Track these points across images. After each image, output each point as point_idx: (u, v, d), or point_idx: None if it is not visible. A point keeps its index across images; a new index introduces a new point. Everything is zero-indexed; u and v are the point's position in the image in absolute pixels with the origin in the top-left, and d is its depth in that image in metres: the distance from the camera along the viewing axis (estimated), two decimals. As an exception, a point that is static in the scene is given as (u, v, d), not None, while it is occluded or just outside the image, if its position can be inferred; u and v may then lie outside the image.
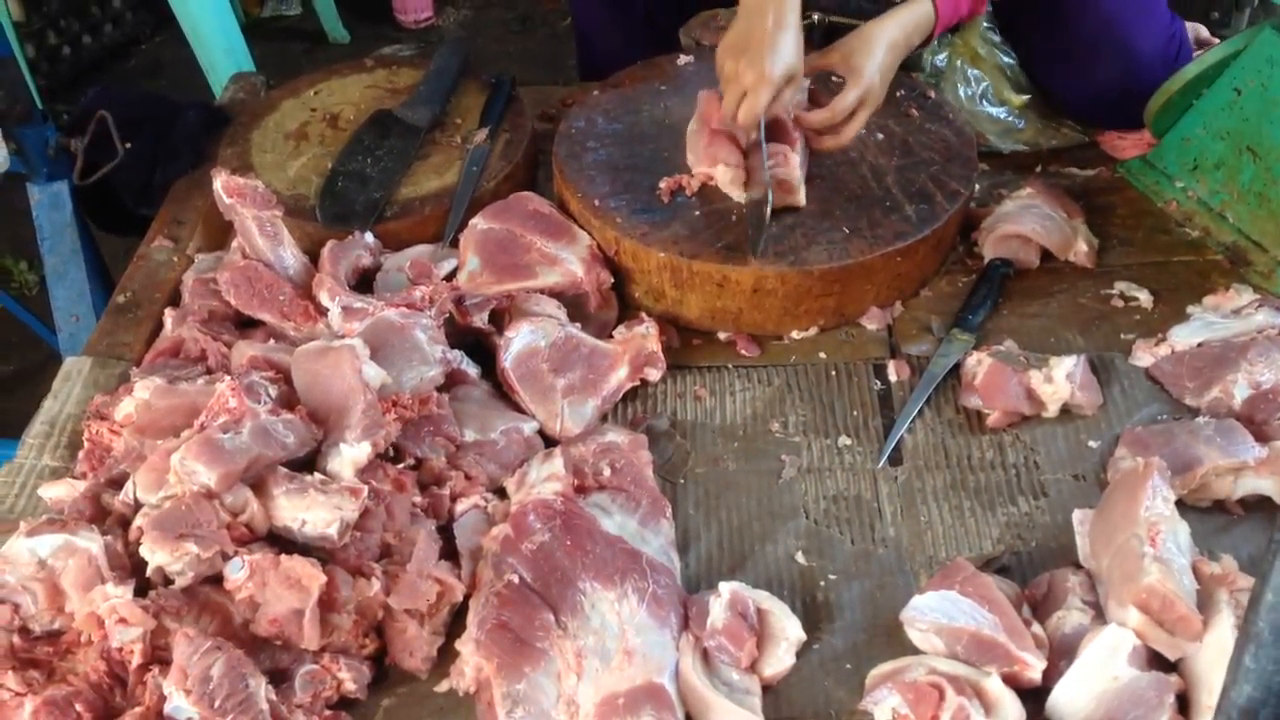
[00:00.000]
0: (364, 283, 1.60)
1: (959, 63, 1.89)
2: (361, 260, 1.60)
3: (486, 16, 4.09)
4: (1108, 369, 1.52)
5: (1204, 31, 2.11)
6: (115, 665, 1.14)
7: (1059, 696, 1.15)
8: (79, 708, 1.09)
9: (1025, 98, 1.88)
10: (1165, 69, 1.76)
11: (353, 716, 1.19)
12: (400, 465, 1.33)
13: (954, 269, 1.70)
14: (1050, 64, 1.88)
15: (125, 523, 1.22)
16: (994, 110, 1.89)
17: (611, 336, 1.55)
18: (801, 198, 1.60)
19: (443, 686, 1.21)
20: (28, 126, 1.82)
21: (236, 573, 1.16)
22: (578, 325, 1.53)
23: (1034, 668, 1.15)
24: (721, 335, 1.61)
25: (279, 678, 1.16)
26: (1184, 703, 1.13)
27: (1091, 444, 1.43)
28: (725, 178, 1.61)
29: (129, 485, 1.24)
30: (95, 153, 1.80)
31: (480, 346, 1.54)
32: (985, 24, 1.90)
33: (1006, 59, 1.89)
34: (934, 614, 1.20)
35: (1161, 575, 1.15)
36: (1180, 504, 1.29)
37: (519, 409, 1.47)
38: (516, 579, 1.23)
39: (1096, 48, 1.80)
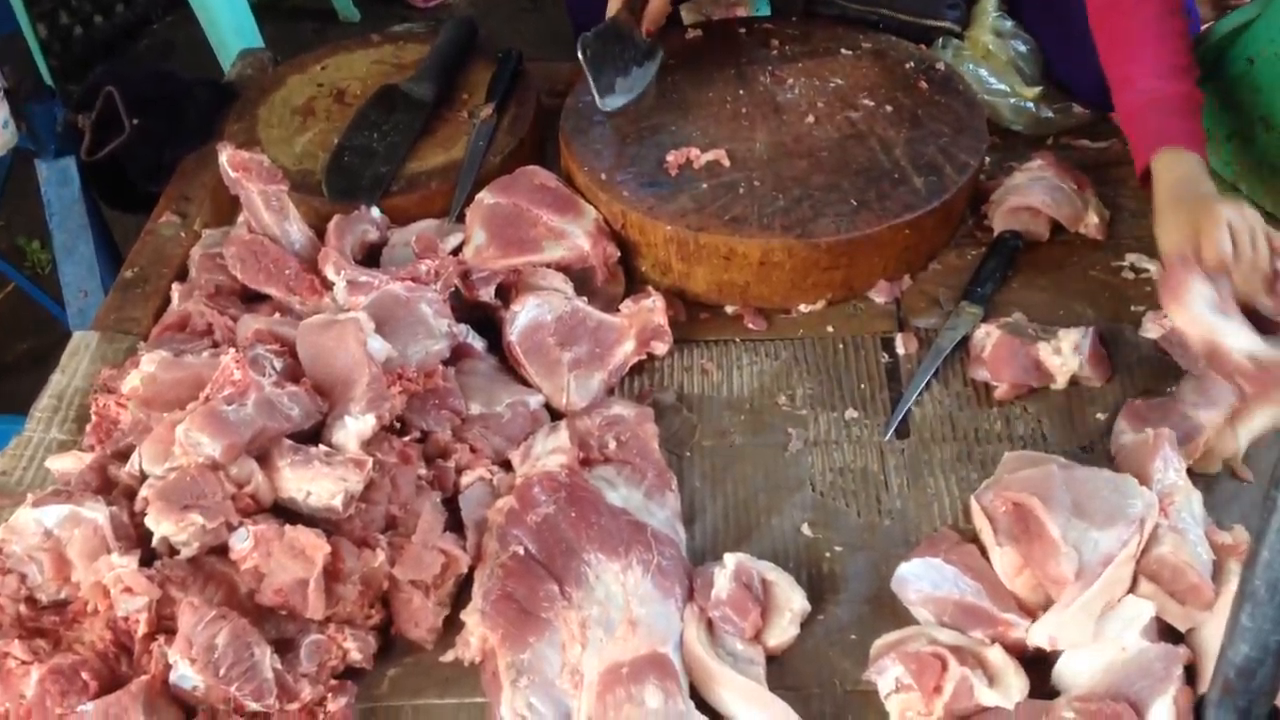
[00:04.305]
0: (370, 258, 1.60)
1: (968, 65, 1.86)
2: (368, 235, 1.60)
3: (498, -4, 4.08)
4: (1117, 341, 1.51)
5: None
6: (121, 635, 1.14)
7: (1065, 667, 1.15)
8: (85, 676, 1.10)
9: (1037, 89, 1.85)
10: None
11: (359, 686, 1.19)
12: (406, 438, 1.33)
13: (963, 242, 1.69)
14: (1062, 51, 1.86)
15: (131, 494, 1.22)
16: (1008, 101, 1.87)
17: (618, 310, 1.54)
18: None
19: (448, 656, 1.21)
20: (36, 103, 1.83)
21: (241, 543, 1.17)
22: (584, 299, 1.53)
23: (1018, 627, 1.16)
24: (729, 309, 1.61)
25: (284, 647, 1.16)
26: (1191, 674, 1.12)
27: (1099, 416, 1.42)
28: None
29: (135, 457, 1.24)
30: (103, 129, 1.80)
31: (487, 321, 1.53)
32: (994, 12, 1.88)
33: (1021, 47, 1.87)
34: (921, 582, 1.20)
35: (1174, 546, 1.15)
36: (1190, 474, 1.28)
37: (525, 382, 1.47)
38: (521, 551, 1.23)
39: None
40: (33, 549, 1.18)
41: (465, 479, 1.33)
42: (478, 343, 1.50)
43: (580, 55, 1.69)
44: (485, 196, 1.62)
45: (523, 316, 1.47)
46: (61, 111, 1.84)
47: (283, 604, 1.17)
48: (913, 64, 1.81)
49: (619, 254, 1.61)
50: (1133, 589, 1.16)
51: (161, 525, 1.15)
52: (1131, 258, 1.63)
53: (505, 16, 3.94)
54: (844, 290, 1.60)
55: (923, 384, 1.47)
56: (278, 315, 1.46)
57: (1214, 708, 0.80)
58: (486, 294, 1.51)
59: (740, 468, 1.41)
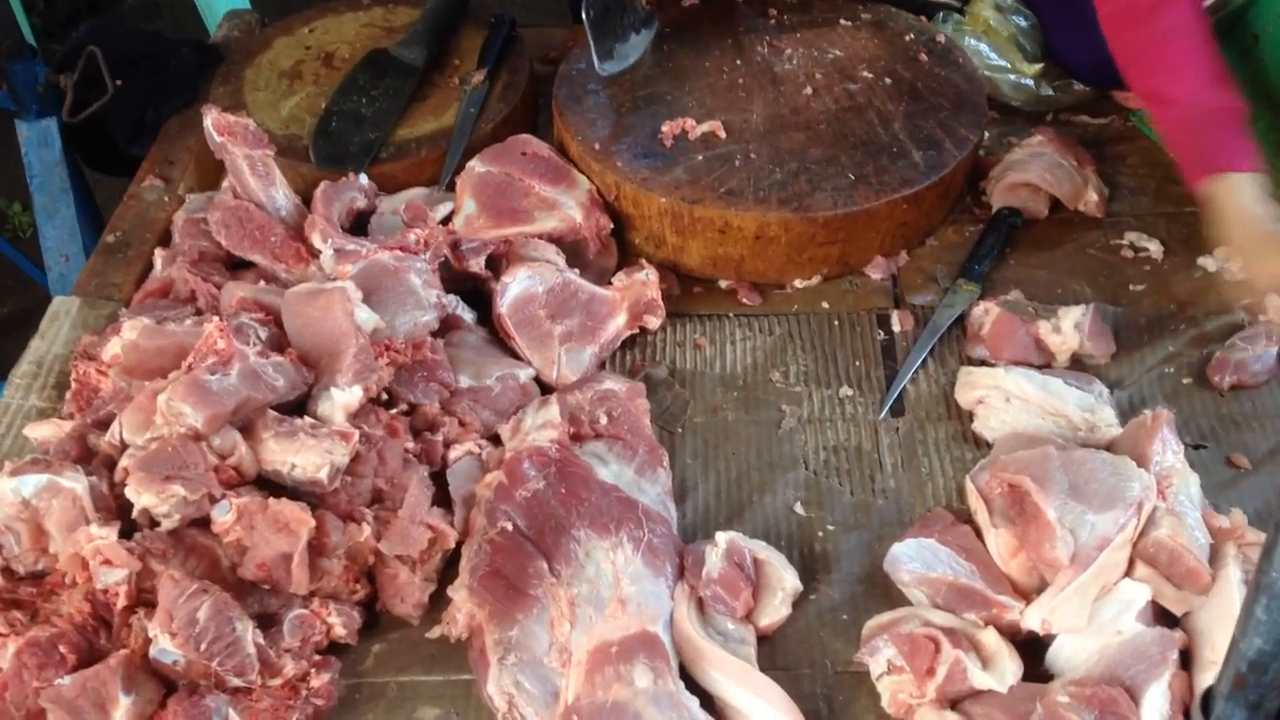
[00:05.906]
0: (358, 225, 1.57)
1: (968, 40, 1.83)
2: (356, 202, 1.57)
3: (490, -40, 4.01)
4: (1115, 318, 1.49)
5: None
6: (100, 607, 1.12)
7: (1059, 650, 1.14)
8: (63, 649, 1.08)
9: (1039, 66, 1.83)
10: None
11: (343, 661, 1.17)
12: (393, 410, 1.31)
13: (961, 218, 1.67)
14: (1062, 29, 1.84)
15: (111, 464, 1.20)
16: (1008, 77, 1.84)
17: (610, 283, 1.52)
18: None
19: (434, 633, 1.20)
20: (17, 62, 1.79)
21: (224, 515, 1.14)
22: (576, 271, 1.50)
23: (1012, 610, 1.15)
24: (723, 283, 1.58)
25: (267, 622, 1.14)
26: (1185, 658, 1.11)
27: (1098, 396, 1.41)
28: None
29: (115, 426, 1.22)
30: (85, 90, 1.77)
31: (477, 292, 1.51)
32: None
33: (1021, 22, 1.84)
34: (913, 563, 1.19)
35: (1171, 529, 1.14)
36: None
37: (515, 355, 1.44)
38: (510, 526, 1.21)
39: None
40: (9, 519, 1.15)
41: (453, 453, 1.31)
42: (467, 314, 1.47)
43: (585, 16, 1.65)
44: (476, 165, 1.59)
45: (513, 288, 1.44)
46: (43, 71, 1.81)
47: (266, 578, 1.15)
48: (913, 36, 1.78)
49: (612, 226, 1.58)
50: (1129, 572, 1.15)
51: (142, 496, 1.13)
52: (1131, 236, 1.61)
53: (498, -18, 3.88)
54: (840, 266, 1.57)
55: (918, 362, 1.45)
56: (263, 283, 1.43)
57: (1224, 701, 0.79)
58: (476, 264, 1.49)
59: (733, 445, 1.39)
